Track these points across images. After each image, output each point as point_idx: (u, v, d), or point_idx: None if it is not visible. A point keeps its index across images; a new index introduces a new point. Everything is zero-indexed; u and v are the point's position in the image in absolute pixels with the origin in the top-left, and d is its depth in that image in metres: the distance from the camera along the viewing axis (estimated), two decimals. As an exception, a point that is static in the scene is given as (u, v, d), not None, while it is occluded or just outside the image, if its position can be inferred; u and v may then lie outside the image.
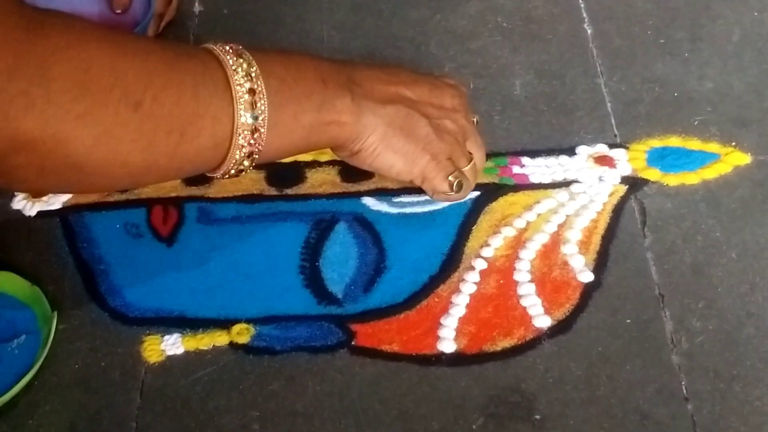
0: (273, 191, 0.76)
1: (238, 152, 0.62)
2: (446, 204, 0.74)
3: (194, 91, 0.59)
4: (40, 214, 0.75)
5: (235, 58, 0.62)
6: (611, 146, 0.79)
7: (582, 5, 0.91)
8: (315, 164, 0.78)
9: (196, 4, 0.92)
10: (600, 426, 0.63)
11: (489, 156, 0.78)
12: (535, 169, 0.77)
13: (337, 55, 0.86)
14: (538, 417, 0.63)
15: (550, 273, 0.71)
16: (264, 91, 0.62)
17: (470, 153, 0.73)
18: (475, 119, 0.76)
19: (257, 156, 0.63)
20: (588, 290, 0.70)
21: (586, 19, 0.89)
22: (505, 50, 0.87)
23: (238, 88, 0.61)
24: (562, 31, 0.88)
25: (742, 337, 0.67)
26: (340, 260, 0.72)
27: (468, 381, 0.65)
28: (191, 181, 0.76)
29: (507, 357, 0.66)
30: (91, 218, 0.74)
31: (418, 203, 0.75)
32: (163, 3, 0.87)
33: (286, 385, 0.65)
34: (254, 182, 0.77)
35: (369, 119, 0.68)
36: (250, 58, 0.62)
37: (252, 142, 0.62)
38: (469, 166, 0.73)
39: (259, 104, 0.62)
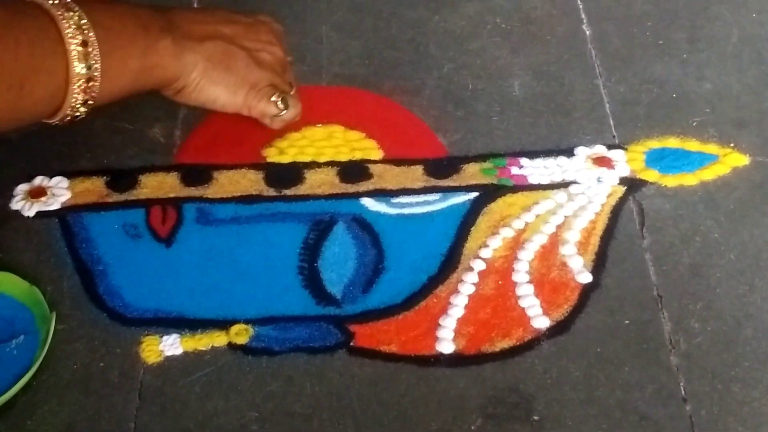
0: (272, 192, 0.76)
1: (73, 100, 0.67)
2: (445, 205, 0.74)
3: (30, 48, 0.64)
4: (39, 214, 0.74)
5: (65, 12, 0.65)
6: (610, 147, 0.79)
7: (581, 6, 0.91)
8: (314, 165, 0.78)
9: (195, 5, 0.92)
10: (598, 426, 0.63)
11: (488, 157, 0.78)
12: (534, 170, 0.77)
13: (337, 56, 0.86)
14: (536, 418, 0.63)
15: (548, 274, 0.71)
16: (95, 41, 0.66)
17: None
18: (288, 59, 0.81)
19: (92, 102, 0.68)
20: (586, 291, 0.70)
21: (584, 20, 0.89)
22: (504, 51, 0.87)
23: (71, 40, 0.65)
24: (561, 32, 0.88)
25: (741, 338, 0.67)
26: (339, 261, 0.72)
27: (466, 382, 0.65)
28: (190, 181, 0.76)
29: (505, 358, 0.66)
30: (90, 219, 0.74)
31: (416, 204, 0.75)
32: None
33: (284, 385, 0.65)
34: (253, 183, 0.77)
35: (189, 57, 0.73)
36: (80, 10, 0.66)
37: (86, 89, 0.67)
38: (293, 90, 0.78)
39: (92, 54, 0.66)
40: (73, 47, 0.65)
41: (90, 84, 0.67)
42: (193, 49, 0.73)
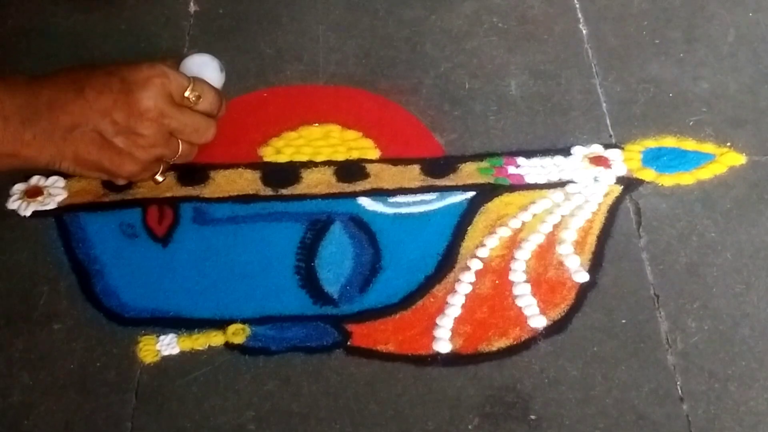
0: (268, 191, 0.76)
1: None
2: (442, 204, 0.75)
3: None
4: (35, 214, 0.74)
5: None
6: (606, 146, 0.79)
7: (577, 6, 0.91)
8: (311, 164, 0.78)
9: (191, 3, 0.92)
10: (595, 426, 0.63)
11: (485, 156, 0.78)
12: (531, 169, 0.77)
13: (334, 55, 0.86)
14: (533, 417, 0.63)
15: (545, 273, 0.71)
16: None
17: (179, 139, 0.73)
18: (187, 92, 0.72)
19: None
20: (583, 290, 0.70)
21: (581, 20, 0.89)
22: (501, 50, 0.87)
23: None
24: (558, 32, 0.88)
25: (737, 337, 0.67)
26: (336, 260, 0.72)
27: (463, 381, 0.65)
28: (187, 181, 0.76)
29: (502, 357, 0.66)
30: (87, 218, 0.74)
31: (413, 203, 0.75)
32: None
33: (281, 385, 0.65)
34: (250, 182, 0.76)
35: (53, 151, 0.70)
36: None
37: None
38: (179, 154, 0.74)
39: None
40: None
41: None
42: (56, 144, 0.70)
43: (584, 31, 0.88)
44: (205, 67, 0.76)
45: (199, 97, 0.73)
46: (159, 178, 0.76)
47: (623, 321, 0.68)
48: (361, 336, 0.68)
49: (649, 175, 0.77)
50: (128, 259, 0.72)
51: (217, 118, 0.75)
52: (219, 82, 0.76)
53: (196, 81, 0.73)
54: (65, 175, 0.76)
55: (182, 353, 0.67)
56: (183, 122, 0.73)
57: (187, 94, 0.72)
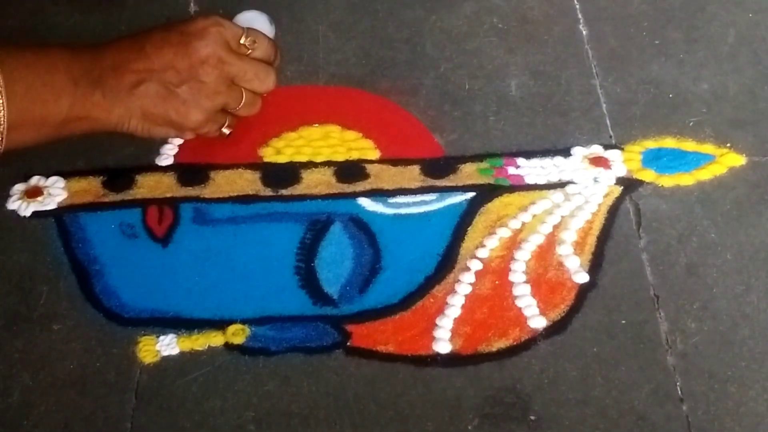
0: (268, 192, 0.76)
1: None
2: (442, 205, 0.75)
3: None
4: (35, 214, 0.74)
5: None
6: (606, 147, 0.79)
7: (577, 6, 0.91)
8: (310, 165, 0.78)
9: (192, 4, 0.92)
10: (595, 427, 0.63)
11: (484, 157, 0.78)
12: (531, 169, 0.77)
13: (334, 55, 0.86)
14: (533, 418, 0.63)
15: (545, 274, 0.71)
16: (4, 104, 0.67)
17: (243, 87, 0.77)
18: (242, 39, 0.76)
19: None
20: (583, 291, 0.70)
21: (581, 20, 0.89)
22: (501, 51, 0.87)
23: None
24: (558, 32, 0.88)
25: (737, 338, 0.67)
26: (336, 261, 0.72)
27: (463, 382, 0.65)
28: (187, 181, 0.76)
29: (502, 358, 0.66)
30: (87, 218, 0.74)
31: (413, 204, 0.75)
32: None
33: (281, 385, 0.65)
34: (250, 183, 0.76)
35: (121, 110, 0.73)
36: None
37: None
38: (242, 102, 0.77)
39: None
40: None
41: None
42: (124, 102, 0.73)
43: (584, 32, 0.88)
44: (255, 21, 0.80)
45: (254, 43, 0.76)
46: (225, 130, 0.78)
47: (623, 321, 0.68)
48: (361, 336, 0.68)
49: (649, 175, 0.77)
50: (128, 259, 0.72)
51: (274, 66, 0.78)
52: (271, 34, 0.80)
53: (250, 29, 0.77)
54: (65, 175, 0.76)
55: (182, 353, 0.67)
56: (242, 68, 0.76)
57: (242, 41, 0.76)
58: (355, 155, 0.78)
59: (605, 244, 0.72)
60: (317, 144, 0.79)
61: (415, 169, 0.78)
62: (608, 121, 0.81)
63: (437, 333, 0.67)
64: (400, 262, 0.72)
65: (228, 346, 0.67)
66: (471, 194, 0.76)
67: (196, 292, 0.70)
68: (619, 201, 0.75)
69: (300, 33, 0.88)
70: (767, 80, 0.84)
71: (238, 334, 0.68)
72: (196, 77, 0.74)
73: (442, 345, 0.67)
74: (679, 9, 0.90)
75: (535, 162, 0.78)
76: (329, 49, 0.87)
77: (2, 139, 0.69)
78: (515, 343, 0.67)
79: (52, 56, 0.72)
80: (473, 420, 0.63)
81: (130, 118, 0.74)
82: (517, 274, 0.71)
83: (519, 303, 0.69)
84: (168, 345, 0.67)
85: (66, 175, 0.77)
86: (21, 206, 0.75)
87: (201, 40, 0.74)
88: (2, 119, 0.68)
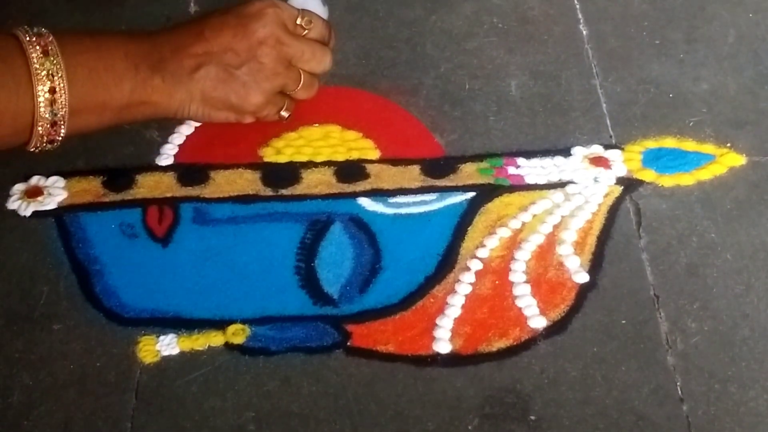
0: (268, 192, 0.76)
1: (37, 140, 0.69)
2: (442, 205, 0.75)
3: None
4: (35, 214, 0.74)
5: (40, 55, 0.67)
6: (606, 147, 0.79)
7: (577, 6, 0.91)
8: (311, 165, 0.78)
9: (192, 4, 0.92)
10: (595, 427, 0.63)
11: (485, 156, 0.78)
12: (531, 169, 0.77)
13: (334, 55, 0.85)
14: (533, 418, 0.63)
15: (545, 274, 0.71)
16: (66, 88, 0.67)
17: (301, 68, 0.77)
18: (298, 20, 0.77)
19: (60, 140, 0.70)
20: (583, 291, 0.70)
21: (581, 20, 0.89)
22: (501, 51, 0.87)
23: (40, 87, 0.67)
24: (558, 32, 0.88)
25: (737, 338, 0.67)
26: (336, 261, 0.72)
27: (463, 382, 0.65)
28: (187, 181, 0.76)
29: (502, 358, 0.66)
30: (87, 218, 0.74)
31: (413, 204, 0.75)
32: None
33: (281, 385, 0.65)
34: (250, 183, 0.76)
35: (182, 94, 0.73)
36: (57, 53, 0.68)
37: (50, 132, 0.69)
38: (301, 83, 0.78)
39: (59, 101, 0.67)
40: (41, 93, 0.67)
41: (54, 128, 0.68)
42: (185, 86, 0.73)
43: (584, 32, 0.88)
44: (309, 2, 0.81)
45: (310, 23, 0.77)
46: (284, 113, 0.79)
47: (623, 321, 0.68)
48: (361, 336, 0.68)
49: (649, 175, 0.77)
50: (128, 259, 0.72)
51: (329, 46, 0.79)
52: (324, 15, 0.81)
53: (304, 10, 0.78)
54: (65, 175, 0.76)
55: (182, 353, 0.67)
56: (300, 48, 0.76)
57: (298, 21, 0.77)
58: (355, 155, 0.78)
59: (605, 244, 0.72)
60: (317, 144, 0.79)
61: (415, 169, 0.78)
62: (608, 121, 0.81)
63: (437, 333, 0.67)
64: (400, 262, 0.72)
65: (228, 346, 0.67)
66: (471, 194, 0.76)
67: (196, 291, 0.70)
68: (619, 201, 0.75)
69: (300, 33, 0.88)
70: (767, 80, 0.84)
71: (238, 334, 0.68)
72: (255, 58, 0.74)
73: (442, 345, 0.67)
74: (679, 9, 0.90)
75: (536, 162, 0.78)
76: (329, 49, 0.87)
77: (64, 123, 0.69)
78: (515, 343, 0.67)
79: (111, 42, 0.72)
80: (473, 420, 0.63)
81: (191, 103, 0.74)
82: (518, 274, 0.71)
83: (519, 303, 0.69)
84: (168, 345, 0.67)
85: (66, 175, 0.77)
86: (21, 206, 0.75)
87: (258, 22, 0.74)
88: (64, 104, 0.68)
